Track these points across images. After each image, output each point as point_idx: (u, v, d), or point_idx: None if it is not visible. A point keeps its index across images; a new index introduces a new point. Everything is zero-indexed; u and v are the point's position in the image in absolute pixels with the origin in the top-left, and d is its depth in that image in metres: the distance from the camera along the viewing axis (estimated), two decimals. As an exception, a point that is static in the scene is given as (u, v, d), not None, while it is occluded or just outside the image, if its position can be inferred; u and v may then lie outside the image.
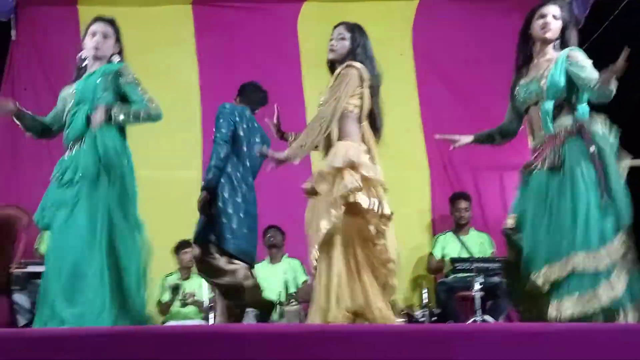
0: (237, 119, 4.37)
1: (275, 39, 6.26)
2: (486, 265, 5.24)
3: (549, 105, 3.25)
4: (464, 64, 6.30)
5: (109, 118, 3.29)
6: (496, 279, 5.29)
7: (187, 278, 5.67)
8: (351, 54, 3.41)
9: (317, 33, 6.42)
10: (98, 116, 3.26)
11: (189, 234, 4.47)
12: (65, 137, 3.42)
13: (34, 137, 3.59)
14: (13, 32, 6.18)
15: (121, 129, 3.40)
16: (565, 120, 3.24)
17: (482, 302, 5.03)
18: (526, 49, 3.39)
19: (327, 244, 3.20)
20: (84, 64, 3.50)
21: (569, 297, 3.05)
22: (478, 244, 5.79)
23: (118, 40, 3.53)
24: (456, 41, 6.32)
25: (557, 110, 3.26)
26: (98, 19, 3.54)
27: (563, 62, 3.24)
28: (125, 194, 3.31)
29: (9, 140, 5.89)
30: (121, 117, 3.31)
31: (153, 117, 3.39)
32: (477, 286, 4.96)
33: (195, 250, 4.30)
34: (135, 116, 3.34)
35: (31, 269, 4.89)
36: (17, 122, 3.51)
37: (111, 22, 3.53)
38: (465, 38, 6.30)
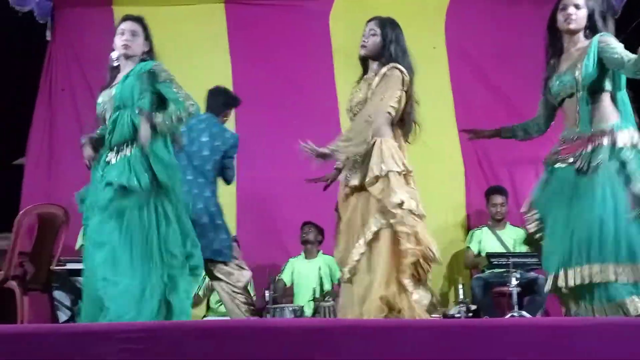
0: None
1: (308, 36, 6.26)
2: (523, 260, 5.19)
3: (586, 97, 3.18)
4: (497, 58, 6.23)
5: (153, 129, 3.32)
6: (533, 274, 5.23)
7: None
8: (383, 49, 3.45)
9: (349, 29, 6.42)
10: (144, 133, 3.27)
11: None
12: (107, 141, 3.40)
13: None
14: (48, 33, 6.26)
15: (166, 137, 3.43)
16: (601, 123, 3.15)
17: (519, 298, 4.98)
18: (555, 43, 3.34)
19: (371, 242, 3.30)
20: (115, 64, 3.52)
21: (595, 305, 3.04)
22: (514, 239, 5.73)
23: (147, 38, 3.54)
24: (489, 35, 6.26)
25: (594, 106, 3.18)
26: (126, 17, 3.56)
27: (595, 49, 3.16)
28: (178, 206, 3.39)
29: (46, 141, 6.01)
30: (165, 125, 3.34)
31: (193, 114, 3.44)
32: (513, 281, 4.90)
33: None
34: (178, 118, 3.35)
35: (70, 266, 4.96)
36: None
37: (139, 20, 3.54)
38: (498, 32, 6.23)
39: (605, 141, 3.11)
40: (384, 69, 3.40)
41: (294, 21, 6.35)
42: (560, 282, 3.10)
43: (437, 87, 6.31)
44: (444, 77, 6.36)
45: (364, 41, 3.49)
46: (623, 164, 3.09)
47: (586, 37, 3.28)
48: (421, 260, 3.31)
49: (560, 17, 3.27)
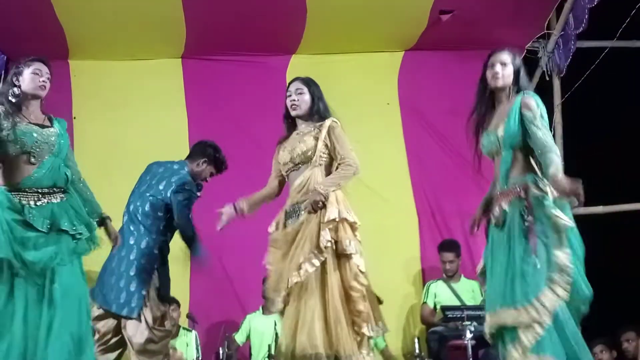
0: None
1: (264, 91, 6.33)
2: (477, 312, 5.21)
3: (507, 156, 3.29)
4: (449, 113, 6.38)
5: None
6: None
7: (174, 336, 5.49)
8: (313, 106, 3.71)
9: (305, 84, 6.57)
10: None
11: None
12: (34, 180, 3.39)
13: None
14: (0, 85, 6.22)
15: None
16: (518, 177, 3.27)
17: (474, 351, 4.99)
18: (484, 100, 3.45)
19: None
20: (15, 100, 3.48)
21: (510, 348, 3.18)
22: (469, 291, 5.77)
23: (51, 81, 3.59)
24: (441, 91, 6.42)
25: (514, 163, 3.29)
26: (38, 59, 3.56)
27: (517, 109, 3.27)
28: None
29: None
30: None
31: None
32: (468, 334, 4.92)
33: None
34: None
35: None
36: None
37: (49, 65, 3.58)
38: (450, 87, 6.39)
39: (515, 195, 3.24)
40: (327, 122, 3.66)
41: (250, 76, 6.42)
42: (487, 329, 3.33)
43: (391, 141, 6.44)
44: (397, 131, 6.49)
45: (294, 101, 3.70)
46: (526, 213, 3.18)
47: (509, 95, 3.38)
48: None
49: (488, 74, 3.40)
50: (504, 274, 3.20)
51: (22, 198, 3.36)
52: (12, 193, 3.36)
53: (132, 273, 4.27)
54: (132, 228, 4.37)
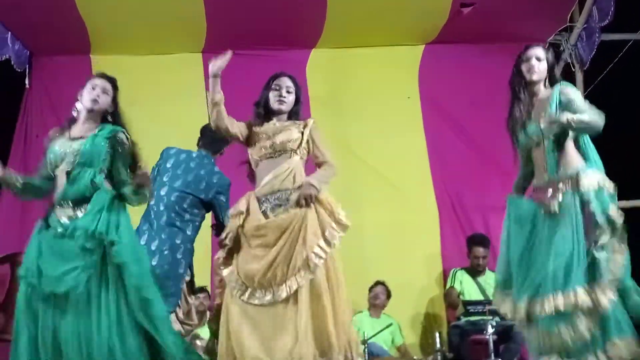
0: (160, 160, 4.55)
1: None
2: (499, 307, 5.19)
3: (552, 146, 3.35)
4: (469, 107, 6.36)
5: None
6: (509, 321, 5.23)
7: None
8: (294, 108, 3.81)
9: (326, 79, 6.56)
10: None
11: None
12: (61, 194, 3.37)
13: (21, 197, 3.60)
14: (27, 81, 6.30)
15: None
16: (568, 168, 3.33)
17: (495, 346, 4.97)
18: (519, 94, 3.52)
19: None
20: (75, 114, 3.52)
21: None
22: (494, 284, 5.73)
23: (115, 99, 3.57)
24: (462, 84, 6.39)
25: (560, 153, 3.36)
26: (101, 75, 3.60)
27: (557, 98, 3.36)
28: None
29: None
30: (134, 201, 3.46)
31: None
32: (490, 329, 4.90)
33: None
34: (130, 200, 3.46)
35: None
36: (4, 185, 3.49)
37: (112, 80, 3.58)
38: (470, 81, 6.37)
39: (571, 185, 3.28)
40: (310, 120, 3.75)
41: (271, 71, 6.34)
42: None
43: (411, 135, 6.42)
44: (417, 125, 6.47)
45: (283, 97, 3.76)
46: (586, 205, 3.24)
47: (545, 87, 3.49)
48: None
49: (523, 68, 3.48)
50: (559, 259, 3.21)
51: (56, 214, 3.35)
52: (52, 212, 3.37)
53: (180, 270, 4.32)
54: (173, 222, 4.35)
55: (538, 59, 3.46)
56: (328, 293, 3.38)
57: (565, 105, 3.31)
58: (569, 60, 6.31)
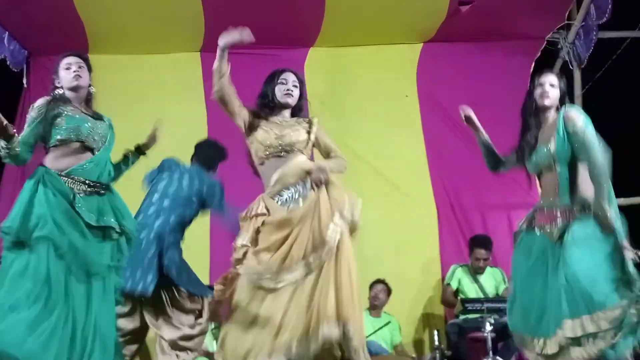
0: (157, 172, 4.57)
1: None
2: (497, 305, 5.20)
3: (564, 171, 3.37)
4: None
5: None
6: (507, 318, 5.24)
7: None
8: (299, 104, 3.86)
9: (324, 77, 6.56)
10: None
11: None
12: (83, 170, 3.31)
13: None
14: (25, 80, 6.30)
15: None
16: (581, 194, 3.33)
17: (494, 343, 4.98)
18: (530, 117, 3.55)
19: None
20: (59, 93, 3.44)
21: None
22: (493, 281, 5.74)
23: (90, 70, 3.54)
24: (461, 83, 6.40)
25: (572, 177, 3.37)
26: (67, 54, 3.52)
27: (562, 123, 3.39)
28: None
29: (18, 189, 5.93)
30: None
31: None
32: (488, 327, 4.91)
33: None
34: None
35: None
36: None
37: (80, 55, 3.54)
38: (469, 80, 6.38)
39: (587, 212, 3.29)
40: (315, 120, 3.80)
41: (268, 69, 6.39)
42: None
43: (409, 134, 6.44)
44: (416, 124, 6.48)
45: (290, 91, 3.79)
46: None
47: (555, 113, 3.51)
48: None
49: (537, 91, 3.52)
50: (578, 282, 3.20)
51: (71, 185, 3.26)
52: (62, 177, 3.26)
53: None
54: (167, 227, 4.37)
55: (552, 85, 3.51)
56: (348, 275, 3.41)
57: (571, 135, 3.34)
58: (567, 58, 6.32)
